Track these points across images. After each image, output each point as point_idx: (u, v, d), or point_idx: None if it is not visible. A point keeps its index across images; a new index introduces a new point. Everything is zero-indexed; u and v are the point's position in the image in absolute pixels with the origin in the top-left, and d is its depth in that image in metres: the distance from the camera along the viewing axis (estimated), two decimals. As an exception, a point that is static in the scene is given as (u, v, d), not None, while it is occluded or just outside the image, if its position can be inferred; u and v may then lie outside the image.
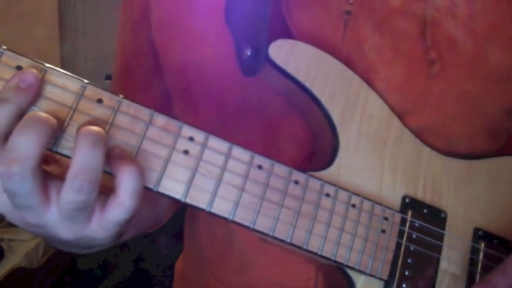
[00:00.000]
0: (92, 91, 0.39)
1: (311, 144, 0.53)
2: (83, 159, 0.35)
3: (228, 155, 0.43)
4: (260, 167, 0.44)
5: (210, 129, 0.43)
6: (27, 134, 0.34)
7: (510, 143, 0.57)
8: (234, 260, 0.59)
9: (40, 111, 0.36)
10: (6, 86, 0.36)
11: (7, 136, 0.35)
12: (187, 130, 0.41)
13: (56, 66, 0.38)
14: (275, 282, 0.56)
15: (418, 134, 0.52)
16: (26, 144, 0.34)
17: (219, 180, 0.42)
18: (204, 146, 0.42)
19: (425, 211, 0.50)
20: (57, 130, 0.37)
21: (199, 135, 0.42)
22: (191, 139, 0.41)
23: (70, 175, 0.35)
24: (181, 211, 0.74)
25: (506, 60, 0.52)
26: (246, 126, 0.54)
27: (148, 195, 0.60)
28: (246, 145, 0.44)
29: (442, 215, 0.51)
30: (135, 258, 2.42)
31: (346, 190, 0.47)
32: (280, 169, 0.45)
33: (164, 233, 2.37)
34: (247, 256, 0.58)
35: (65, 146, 0.38)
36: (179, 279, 0.72)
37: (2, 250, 1.96)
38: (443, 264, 0.51)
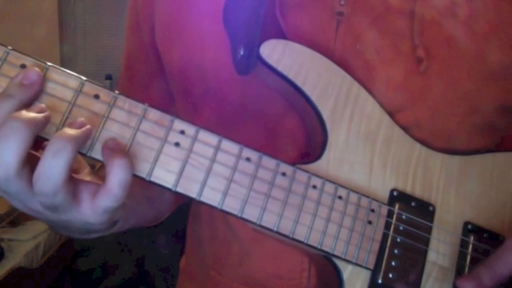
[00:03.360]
0: (90, 88, 0.41)
1: (308, 142, 0.54)
2: (43, 165, 0.37)
3: (217, 148, 0.44)
4: (248, 159, 0.45)
5: (212, 128, 0.44)
6: (7, 141, 0.36)
7: (505, 140, 0.57)
8: (233, 254, 0.60)
9: (34, 110, 0.38)
10: (11, 82, 0.38)
11: None
12: (179, 124, 0.43)
13: (56, 66, 0.40)
14: (271, 274, 0.58)
15: (409, 130, 0.53)
16: (7, 151, 0.36)
17: (209, 171, 0.44)
18: (194, 139, 0.43)
19: (413, 204, 0.51)
20: (40, 127, 0.38)
21: (190, 129, 0.43)
22: (182, 132, 0.43)
23: (33, 178, 0.37)
24: (181, 213, 0.75)
25: (505, 60, 0.52)
26: (247, 125, 0.55)
27: (146, 190, 0.61)
28: (246, 144, 0.45)
29: (431, 208, 0.52)
30: (135, 258, 2.41)
31: (333, 182, 0.48)
32: (268, 161, 0.46)
33: (164, 233, 2.37)
34: (245, 250, 0.59)
35: None
36: (182, 274, 0.74)
37: (2, 250, 1.97)
38: (431, 256, 0.51)
